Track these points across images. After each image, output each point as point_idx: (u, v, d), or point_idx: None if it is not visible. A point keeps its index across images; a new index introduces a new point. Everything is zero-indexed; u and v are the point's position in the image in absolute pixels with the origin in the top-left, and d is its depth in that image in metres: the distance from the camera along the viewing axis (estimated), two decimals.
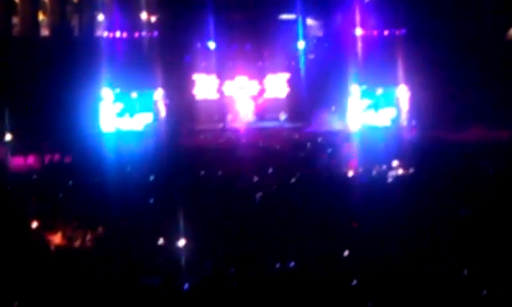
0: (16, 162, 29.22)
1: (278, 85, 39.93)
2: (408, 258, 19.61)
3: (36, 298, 17.82)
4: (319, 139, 34.52)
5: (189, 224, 21.44)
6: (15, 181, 26.21)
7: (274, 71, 40.02)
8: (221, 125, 38.78)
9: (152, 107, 38.37)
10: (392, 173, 28.69)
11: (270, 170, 28.70)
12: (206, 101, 39.66)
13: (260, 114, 39.88)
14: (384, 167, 29.10)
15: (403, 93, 37.93)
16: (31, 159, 29.28)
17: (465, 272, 18.68)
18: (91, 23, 39.83)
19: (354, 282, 18.42)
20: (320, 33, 41.12)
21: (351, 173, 29.05)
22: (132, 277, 19.02)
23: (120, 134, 36.17)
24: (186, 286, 18.64)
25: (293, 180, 27.67)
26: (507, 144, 30.79)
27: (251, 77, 39.86)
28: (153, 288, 18.78)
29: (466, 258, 19.34)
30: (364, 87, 37.93)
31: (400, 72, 37.22)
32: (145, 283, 18.98)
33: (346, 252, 20.15)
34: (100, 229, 21.95)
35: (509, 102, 34.94)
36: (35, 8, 39.87)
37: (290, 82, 39.76)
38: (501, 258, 19.16)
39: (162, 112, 38.46)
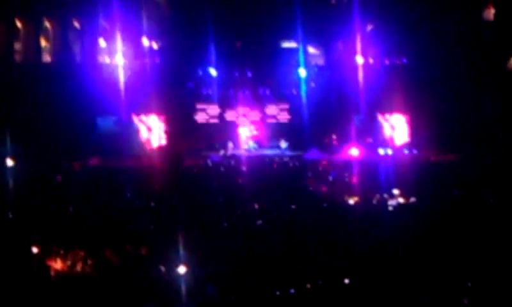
0: (17, 186, 29.21)
1: (279, 112, 40.00)
2: (410, 284, 19.55)
3: None
4: (320, 167, 34.49)
5: (189, 250, 21.41)
6: (16, 205, 26.19)
7: (276, 98, 40.11)
8: (222, 152, 38.78)
9: (154, 133, 38.51)
10: (392, 201, 28.64)
11: (271, 197, 28.66)
12: (207, 128, 39.73)
13: (261, 142, 39.91)
14: (385, 195, 29.05)
15: (403, 121, 38.02)
16: (31, 184, 29.26)
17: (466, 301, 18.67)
18: (93, 50, 40.00)
19: None
20: (321, 61, 41.25)
21: (351, 201, 29.01)
22: (131, 304, 18.96)
23: (120, 160, 36.18)
24: None
25: (294, 207, 27.62)
26: (507, 170, 30.72)
27: (253, 105, 39.95)
28: None
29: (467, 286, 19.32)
30: (365, 115, 38.01)
31: (401, 100, 37.30)
32: None
33: (347, 280, 20.10)
34: (99, 255, 21.92)
35: (509, 128, 35.01)
36: (37, 34, 40.09)
37: (291, 110, 39.82)
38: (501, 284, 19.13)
39: (164, 139, 38.56)
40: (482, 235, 22.83)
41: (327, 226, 24.81)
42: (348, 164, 34.25)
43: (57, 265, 21.40)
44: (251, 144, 39.79)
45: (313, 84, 39.92)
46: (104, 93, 37.25)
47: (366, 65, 39.40)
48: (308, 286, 19.92)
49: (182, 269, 20.52)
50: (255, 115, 39.95)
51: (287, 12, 39.55)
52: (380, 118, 38.53)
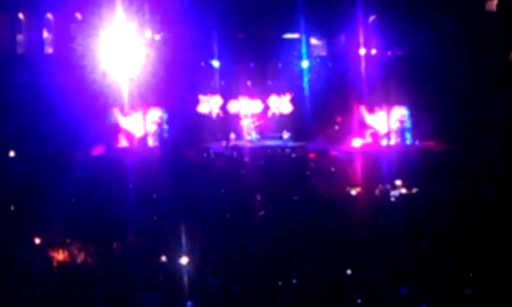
0: (19, 176, 29.29)
1: (281, 104, 39.99)
2: (412, 276, 19.59)
3: None
4: (322, 158, 34.53)
5: (191, 241, 21.46)
6: (18, 196, 26.29)
7: (278, 89, 40.09)
8: (224, 143, 38.81)
9: (156, 126, 38.54)
10: (394, 192, 28.66)
11: (273, 188, 28.70)
12: (209, 119, 39.72)
13: (264, 133, 39.91)
14: (388, 186, 29.07)
15: (406, 113, 37.99)
16: (33, 175, 29.31)
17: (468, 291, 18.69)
18: (95, 42, 39.94)
19: (359, 301, 18.42)
20: (323, 52, 41.18)
21: (354, 192, 29.04)
22: (133, 295, 19.01)
23: (122, 152, 36.22)
24: (189, 304, 18.64)
25: (296, 198, 27.65)
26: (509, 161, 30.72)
27: (255, 96, 39.93)
28: (154, 306, 18.77)
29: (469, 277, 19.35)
30: (367, 106, 37.98)
31: (403, 91, 37.27)
32: (147, 301, 18.96)
33: (349, 271, 20.13)
34: (102, 246, 21.98)
35: (510, 119, 34.97)
36: (39, 26, 40.05)
37: (294, 101, 39.79)
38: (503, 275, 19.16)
39: (166, 131, 38.57)
40: (483, 226, 22.86)
41: (329, 217, 24.85)
42: (350, 155, 34.30)
43: (59, 255, 21.47)
44: (254, 135, 39.79)
45: (315, 75, 39.88)
46: (106, 85, 37.23)
47: (368, 56, 39.33)
48: (310, 277, 19.95)
49: (183, 260, 20.56)
50: (258, 106, 39.94)
51: (289, 3, 39.47)
52: (382, 109, 38.51)
